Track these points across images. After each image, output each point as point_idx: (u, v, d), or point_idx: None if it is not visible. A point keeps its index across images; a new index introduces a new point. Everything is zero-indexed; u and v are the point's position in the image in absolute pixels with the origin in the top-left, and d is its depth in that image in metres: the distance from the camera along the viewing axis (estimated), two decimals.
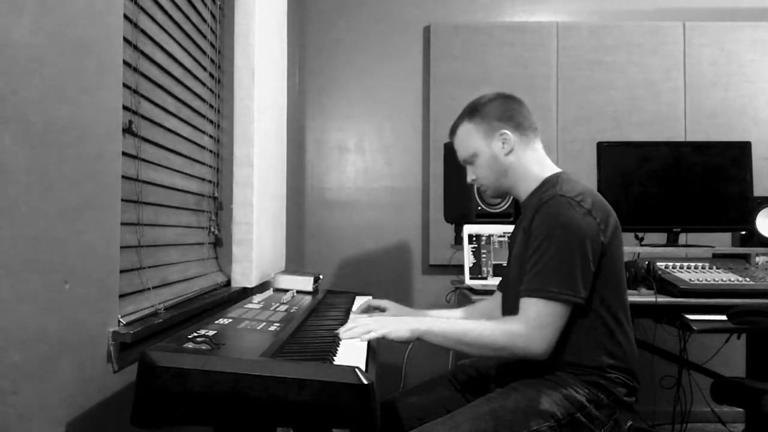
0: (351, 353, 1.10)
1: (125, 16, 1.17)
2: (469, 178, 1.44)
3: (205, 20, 1.76)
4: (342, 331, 1.22)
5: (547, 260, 1.17)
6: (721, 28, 2.96)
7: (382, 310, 1.54)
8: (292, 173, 2.59)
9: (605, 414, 1.18)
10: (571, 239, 1.17)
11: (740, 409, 2.55)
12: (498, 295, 1.53)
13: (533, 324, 1.15)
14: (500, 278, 1.59)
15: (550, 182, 1.31)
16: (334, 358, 1.06)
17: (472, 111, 1.39)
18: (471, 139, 1.38)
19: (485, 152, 1.36)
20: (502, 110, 1.36)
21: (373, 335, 1.18)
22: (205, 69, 1.76)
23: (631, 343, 1.25)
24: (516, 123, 1.35)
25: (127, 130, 1.22)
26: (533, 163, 1.36)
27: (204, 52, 1.76)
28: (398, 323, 1.23)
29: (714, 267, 2.03)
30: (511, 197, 2.17)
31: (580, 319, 1.19)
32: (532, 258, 1.20)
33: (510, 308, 1.32)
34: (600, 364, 1.20)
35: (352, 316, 1.51)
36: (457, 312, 1.58)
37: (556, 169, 1.36)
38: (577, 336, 1.20)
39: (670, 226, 2.20)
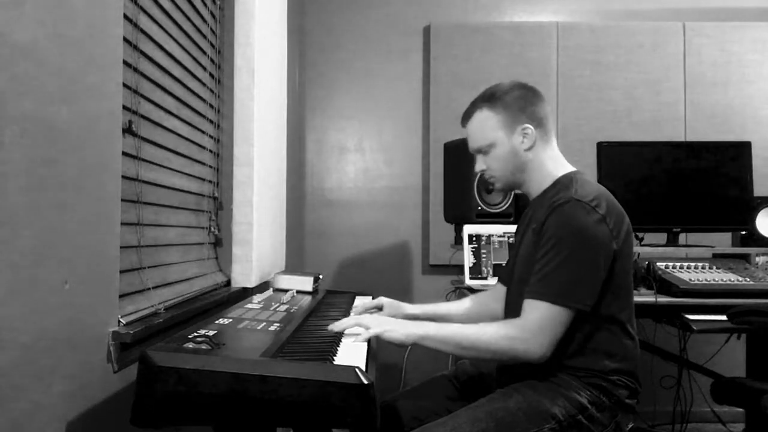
0: (351, 353, 1.10)
1: (125, 16, 1.17)
2: (479, 167, 1.38)
3: (205, 20, 1.76)
4: (336, 325, 1.22)
5: (555, 265, 1.15)
6: (721, 28, 2.96)
7: (379, 308, 1.54)
8: (292, 173, 2.59)
9: (607, 416, 1.17)
10: (582, 246, 1.15)
11: (740, 409, 2.56)
12: (498, 288, 1.52)
13: (533, 327, 1.14)
14: (504, 272, 1.57)
15: (563, 182, 1.27)
16: (334, 358, 1.06)
17: (493, 98, 1.31)
18: (489, 129, 1.31)
19: (504, 145, 1.31)
20: (525, 102, 1.29)
21: (368, 334, 1.18)
22: (205, 69, 1.76)
23: (635, 346, 1.24)
24: (538, 118, 1.30)
25: (127, 130, 1.22)
26: (549, 160, 1.32)
27: (204, 52, 1.76)
28: (396, 325, 1.22)
29: (714, 267, 2.03)
30: (512, 196, 2.16)
31: (585, 324, 1.18)
32: (540, 261, 1.18)
33: (514, 307, 1.32)
34: (603, 368, 1.19)
35: (351, 315, 1.51)
36: (457, 304, 1.57)
37: (570, 168, 1.33)
38: (581, 340, 1.19)
39: (670, 226, 2.20)
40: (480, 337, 1.17)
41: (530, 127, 1.29)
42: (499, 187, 1.40)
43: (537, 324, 1.14)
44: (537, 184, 1.33)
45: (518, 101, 1.30)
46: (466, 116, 1.37)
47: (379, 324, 1.21)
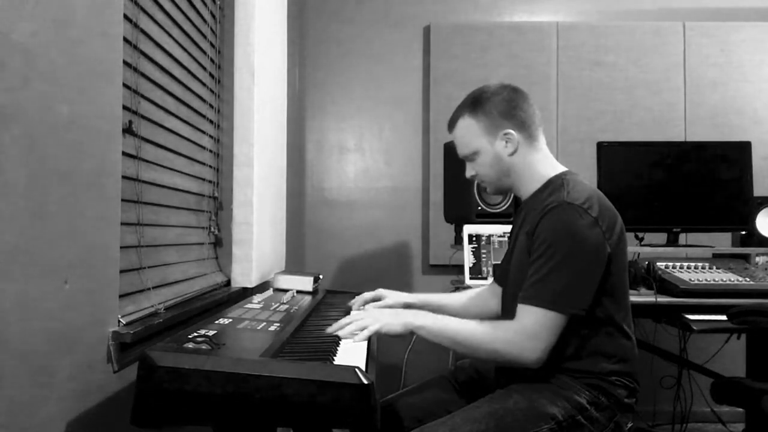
0: (351, 353, 1.10)
1: (125, 16, 1.17)
2: (469, 173, 1.39)
3: (205, 20, 1.76)
4: (333, 329, 1.21)
5: (549, 270, 1.14)
6: (721, 28, 2.96)
7: (379, 300, 1.53)
8: (292, 173, 2.59)
9: (606, 416, 1.17)
10: (575, 250, 1.14)
11: (740, 409, 2.56)
12: (496, 287, 1.53)
13: (528, 332, 1.13)
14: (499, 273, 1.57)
15: (554, 184, 1.27)
16: (334, 358, 1.06)
17: (474, 104, 1.31)
18: (472, 136, 1.32)
19: (488, 151, 1.31)
20: (506, 106, 1.29)
21: (366, 333, 1.18)
22: (205, 69, 1.76)
23: (632, 347, 1.24)
24: (520, 121, 1.29)
25: (127, 130, 1.22)
26: (537, 162, 1.31)
27: (204, 52, 1.76)
28: (392, 317, 1.22)
29: (714, 267, 2.03)
30: (512, 196, 2.16)
31: (582, 327, 1.18)
32: (533, 265, 1.17)
33: (510, 308, 1.32)
34: (601, 370, 1.19)
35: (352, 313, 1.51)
36: (455, 296, 1.58)
37: (560, 168, 1.32)
38: (579, 343, 1.19)
39: (670, 226, 2.20)
40: (475, 335, 1.17)
41: (512, 132, 1.28)
42: (491, 191, 1.42)
43: (531, 329, 1.13)
44: (527, 186, 1.33)
45: (499, 106, 1.29)
46: (451, 124, 1.37)
47: (376, 320, 1.21)
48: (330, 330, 1.22)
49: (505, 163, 1.31)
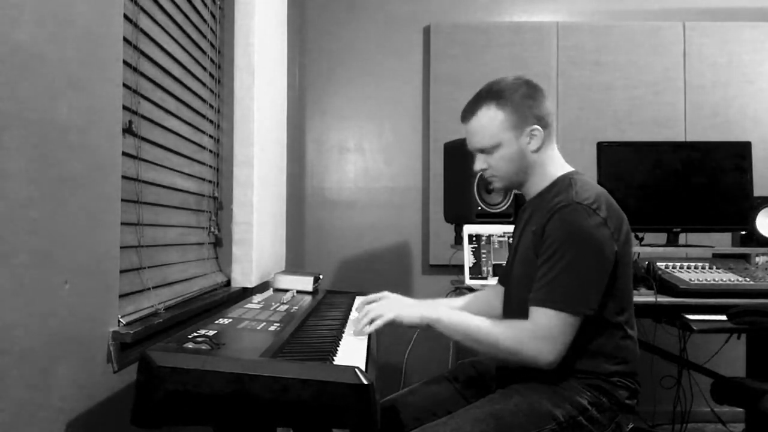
0: (351, 353, 1.10)
1: (125, 16, 1.17)
2: (479, 166, 1.33)
3: (205, 20, 1.76)
4: (352, 324, 1.21)
5: (560, 270, 1.13)
6: (721, 28, 2.96)
7: None
8: (292, 173, 2.59)
9: (607, 417, 1.17)
10: (586, 251, 1.14)
11: (740, 409, 2.55)
12: (499, 288, 1.52)
13: (542, 335, 1.13)
14: (502, 273, 1.57)
15: (562, 184, 1.26)
16: (334, 358, 1.06)
17: (500, 95, 1.25)
18: (496, 128, 1.26)
19: (511, 145, 1.27)
20: (532, 102, 1.25)
21: (380, 322, 1.18)
22: (205, 69, 1.76)
23: (634, 348, 1.24)
24: (545, 118, 1.27)
25: (127, 130, 1.22)
26: (550, 161, 1.30)
27: (204, 52, 1.76)
28: (409, 308, 1.22)
29: (714, 267, 2.03)
30: (512, 196, 2.16)
31: (586, 327, 1.17)
32: (543, 266, 1.17)
33: (512, 309, 1.32)
34: (603, 370, 1.19)
35: (352, 315, 1.50)
36: (458, 301, 1.56)
37: (567, 168, 1.31)
38: (582, 343, 1.18)
39: (670, 226, 2.20)
40: (492, 333, 1.17)
41: (539, 128, 1.26)
42: (499, 187, 1.37)
43: (546, 332, 1.13)
44: (536, 185, 1.32)
45: (526, 100, 1.25)
46: (469, 112, 1.30)
47: (391, 309, 1.21)
48: (356, 334, 1.22)
49: (527, 160, 1.29)
